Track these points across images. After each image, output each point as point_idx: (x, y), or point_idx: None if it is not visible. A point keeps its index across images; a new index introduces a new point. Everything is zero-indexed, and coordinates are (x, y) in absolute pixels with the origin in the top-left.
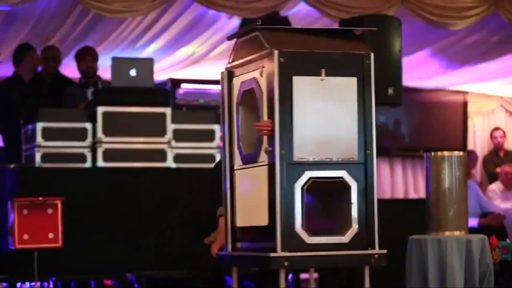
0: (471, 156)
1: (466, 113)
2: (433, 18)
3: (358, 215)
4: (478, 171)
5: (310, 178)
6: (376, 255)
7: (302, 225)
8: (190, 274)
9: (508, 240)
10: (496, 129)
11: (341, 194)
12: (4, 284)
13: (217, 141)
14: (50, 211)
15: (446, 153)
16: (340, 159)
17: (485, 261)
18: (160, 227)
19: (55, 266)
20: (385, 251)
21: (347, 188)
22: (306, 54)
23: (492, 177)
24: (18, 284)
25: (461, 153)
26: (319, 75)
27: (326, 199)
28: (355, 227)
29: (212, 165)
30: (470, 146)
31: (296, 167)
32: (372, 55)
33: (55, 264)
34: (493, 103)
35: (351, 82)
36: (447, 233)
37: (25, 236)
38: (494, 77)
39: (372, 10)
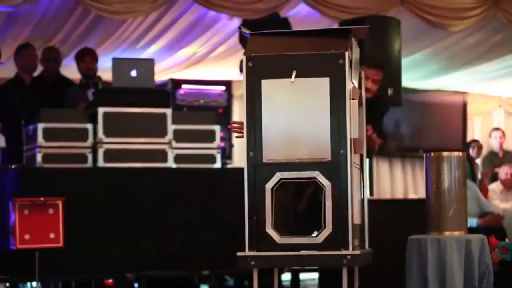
0: (475, 144)
1: (466, 114)
2: (433, 19)
3: (332, 215)
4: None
5: (280, 179)
6: (348, 256)
7: (272, 225)
8: (190, 274)
9: (507, 240)
10: (496, 129)
11: (314, 194)
12: (6, 285)
13: (217, 142)
14: (51, 211)
15: (445, 153)
16: (312, 160)
17: (484, 261)
18: (160, 227)
19: (56, 266)
20: (358, 252)
21: (321, 188)
22: (276, 57)
23: (491, 178)
24: (20, 285)
25: (461, 153)
26: (290, 77)
27: (299, 200)
28: (328, 227)
29: (212, 166)
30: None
31: (266, 168)
32: (346, 54)
33: (56, 264)
34: (493, 104)
35: (323, 82)
36: (447, 233)
37: (26, 236)
38: (494, 78)
39: (372, 11)
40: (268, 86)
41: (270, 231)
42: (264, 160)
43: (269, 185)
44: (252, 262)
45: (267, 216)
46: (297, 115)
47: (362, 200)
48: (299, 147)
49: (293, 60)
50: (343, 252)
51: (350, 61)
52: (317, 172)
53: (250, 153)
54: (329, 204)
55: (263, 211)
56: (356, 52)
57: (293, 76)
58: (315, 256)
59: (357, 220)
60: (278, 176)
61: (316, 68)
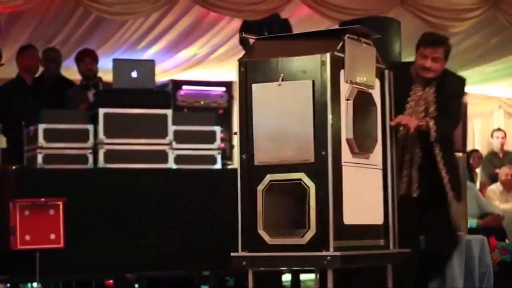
0: (475, 155)
1: (466, 115)
2: (432, 20)
3: (316, 216)
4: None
5: (270, 181)
6: (328, 257)
7: (263, 226)
8: (191, 274)
9: (507, 241)
10: (498, 130)
11: (300, 195)
12: (7, 285)
13: (218, 143)
14: (51, 212)
15: None
16: (298, 161)
17: (484, 261)
18: (160, 228)
19: (56, 267)
20: (338, 253)
21: (305, 190)
22: (266, 62)
23: (491, 178)
24: (20, 285)
25: (461, 154)
26: (278, 81)
27: (287, 201)
28: (312, 228)
29: (213, 167)
30: (470, 147)
31: (258, 170)
32: (328, 55)
33: (56, 264)
34: (493, 105)
35: (307, 85)
36: None
37: (27, 237)
38: (494, 79)
39: (372, 12)
40: (258, 91)
41: (261, 232)
42: (256, 163)
43: (260, 187)
44: (244, 263)
45: (258, 217)
46: (284, 118)
47: (386, 200)
48: (287, 149)
49: (281, 64)
50: (324, 253)
51: (342, 62)
52: (303, 173)
53: (243, 156)
54: (312, 205)
55: (255, 212)
56: (364, 52)
57: (280, 79)
58: (300, 257)
59: (376, 220)
60: (268, 178)
61: (301, 71)
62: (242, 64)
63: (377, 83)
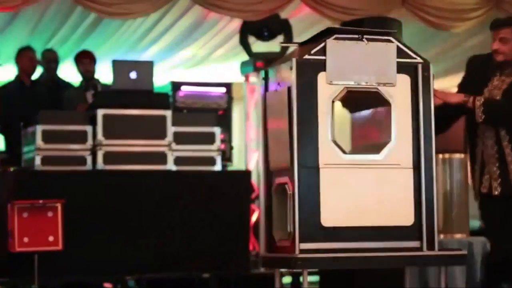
0: None
1: None
2: (434, 20)
3: (292, 219)
4: None
5: (276, 185)
6: (294, 259)
7: (274, 228)
8: (191, 275)
9: None
10: None
11: (287, 199)
12: None
13: (217, 144)
14: (50, 214)
15: (446, 155)
16: (284, 166)
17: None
18: (160, 229)
19: (55, 268)
20: (304, 255)
21: (287, 194)
22: (276, 69)
23: None
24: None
25: (462, 155)
26: (279, 88)
27: (284, 204)
28: (291, 231)
29: (212, 168)
30: None
31: (272, 175)
32: (294, 60)
33: (55, 266)
34: None
35: (285, 91)
36: (448, 235)
37: (25, 239)
38: None
39: (373, 12)
40: (268, 98)
41: (273, 233)
42: (270, 168)
43: (273, 190)
44: (261, 263)
45: (273, 220)
46: (278, 124)
47: (420, 200)
48: (280, 155)
49: (277, 70)
50: (291, 255)
51: (323, 64)
52: (287, 177)
53: (264, 161)
54: (290, 208)
55: (271, 215)
56: (371, 50)
57: (277, 86)
58: (283, 259)
59: (396, 221)
60: (276, 182)
61: (285, 77)
62: (263, 73)
63: (405, 79)
